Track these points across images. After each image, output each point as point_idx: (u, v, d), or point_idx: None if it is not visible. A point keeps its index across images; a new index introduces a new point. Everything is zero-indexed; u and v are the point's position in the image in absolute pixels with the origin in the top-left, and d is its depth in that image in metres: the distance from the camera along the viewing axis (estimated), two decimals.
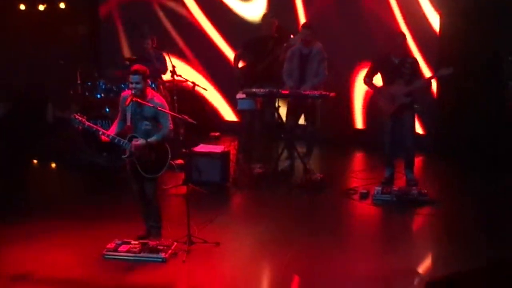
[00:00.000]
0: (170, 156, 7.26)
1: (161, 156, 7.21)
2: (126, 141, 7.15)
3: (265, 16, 10.82)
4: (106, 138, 7.14)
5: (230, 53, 11.79)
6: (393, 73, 9.04)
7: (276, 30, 10.52)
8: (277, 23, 10.55)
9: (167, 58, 10.44)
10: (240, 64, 10.75)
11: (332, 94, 9.49)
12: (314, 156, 10.14)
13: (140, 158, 7.16)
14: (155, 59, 10.49)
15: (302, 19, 11.52)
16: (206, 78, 12.35)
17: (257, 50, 10.55)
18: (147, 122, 7.18)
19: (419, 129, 10.96)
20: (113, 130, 7.26)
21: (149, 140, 7.11)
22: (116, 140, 7.17)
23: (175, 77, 10.15)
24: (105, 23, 12.74)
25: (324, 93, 9.51)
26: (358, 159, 10.55)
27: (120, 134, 7.23)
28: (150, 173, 7.21)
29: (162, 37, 11.52)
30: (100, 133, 7.15)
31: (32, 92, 12.27)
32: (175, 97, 10.32)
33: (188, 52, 12.43)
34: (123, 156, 7.24)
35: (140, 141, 7.10)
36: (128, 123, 7.19)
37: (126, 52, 12.43)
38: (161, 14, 12.44)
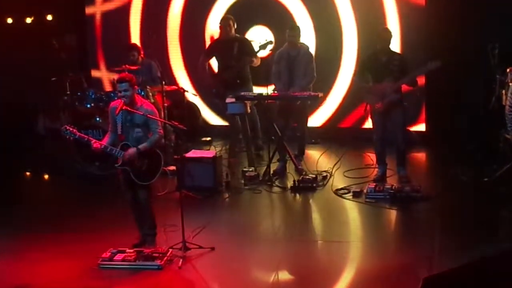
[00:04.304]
0: (163, 162, 7.29)
1: (154, 163, 7.23)
2: (118, 149, 7.17)
3: (223, 20, 10.70)
4: (99, 147, 7.15)
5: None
6: (382, 71, 9.06)
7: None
8: (235, 25, 10.55)
9: (155, 66, 10.52)
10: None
11: (320, 94, 9.56)
12: (305, 156, 10.17)
13: (133, 166, 7.18)
14: (143, 69, 10.46)
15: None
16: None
17: (222, 55, 10.54)
18: (138, 130, 7.21)
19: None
20: (104, 142, 7.27)
21: (139, 147, 7.14)
22: (108, 149, 7.18)
23: (164, 84, 10.24)
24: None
25: (313, 94, 9.56)
26: (350, 157, 10.55)
27: (112, 144, 7.25)
28: (143, 180, 7.22)
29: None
30: (92, 142, 7.16)
31: (23, 104, 12.28)
32: (165, 104, 10.36)
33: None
34: (116, 165, 7.26)
35: (131, 149, 7.13)
36: (119, 132, 7.21)
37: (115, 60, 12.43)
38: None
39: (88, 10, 12.68)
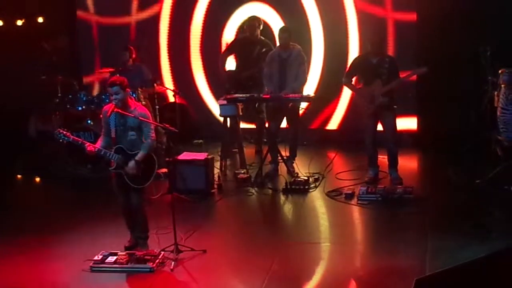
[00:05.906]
0: (156, 166, 7.28)
1: (148, 167, 7.22)
2: (112, 152, 7.15)
3: (250, 19, 10.69)
4: (92, 149, 7.12)
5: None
6: (372, 73, 9.08)
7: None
8: (261, 27, 10.50)
9: (146, 69, 10.53)
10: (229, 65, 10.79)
11: (312, 96, 9.56)
12: (297, 158, 10.15)
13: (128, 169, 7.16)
14: (134, 72, 10.42)
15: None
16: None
17: (243, 54, 10.52)
18: (132, 133, 7.19)
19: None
20: (98, 145, 7.24)
21: (137, 159, 7.11)
22: (102, 152, 7.16)
23: (156, 86, 10.24)
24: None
25: (305, 95, 9.56)
26: (342, 160, 10.56)
27: (105, 147, 7.22)
28: (138, 183, 7.21)
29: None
30: (86, 145, 7.13)
31: (14, 107, 12.23)
32: (157, 106, 10.34)
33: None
34: (110, 168, 7.24)
35: (131, 164, 7.10)
36: (113, 135, 7.19)
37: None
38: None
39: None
